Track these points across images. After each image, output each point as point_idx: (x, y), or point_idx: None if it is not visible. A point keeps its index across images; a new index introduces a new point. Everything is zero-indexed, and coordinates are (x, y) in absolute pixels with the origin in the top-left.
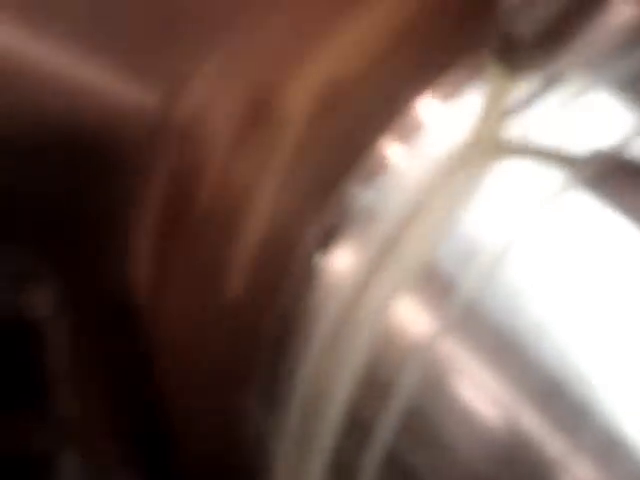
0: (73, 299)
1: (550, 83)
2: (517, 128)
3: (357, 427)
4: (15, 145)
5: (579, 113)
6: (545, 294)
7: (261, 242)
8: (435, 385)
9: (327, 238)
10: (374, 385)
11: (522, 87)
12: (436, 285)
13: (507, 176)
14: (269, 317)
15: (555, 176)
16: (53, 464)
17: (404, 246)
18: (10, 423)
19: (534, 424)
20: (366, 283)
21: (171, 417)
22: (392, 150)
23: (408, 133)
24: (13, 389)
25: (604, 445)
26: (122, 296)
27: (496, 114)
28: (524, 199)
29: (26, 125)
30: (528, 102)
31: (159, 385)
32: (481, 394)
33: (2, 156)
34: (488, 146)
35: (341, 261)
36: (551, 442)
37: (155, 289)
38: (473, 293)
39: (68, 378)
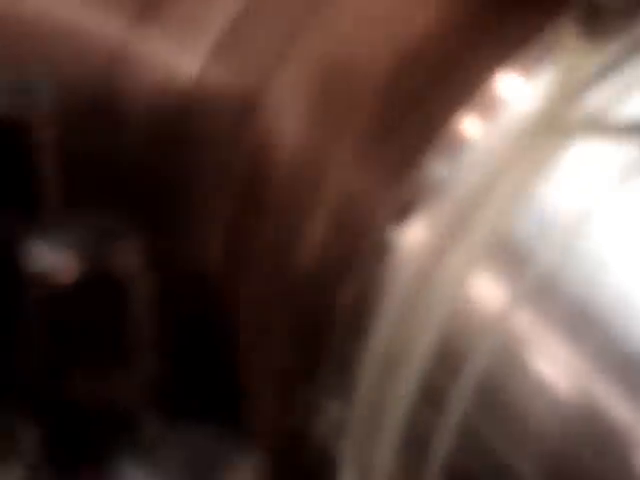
0: (155, 261)
1: (630, 53)
2: (595, 101)
3: (430, 398)
4: (110, 115)
5: None
6: (626, 266)
7: (334, 215)
8: (509, 357)
9: (402, 212)
10: (448, 356)
11: (601, 58)
12: (512, 257)
13: (584, 148)
14: (343, 290)
15: (634, 148)
16: (137, 420)
17: (480, 218)
18: (98, 379)
19: (612, 398)
20: (441, 254)
21: (243, 378)
22: (470, 124)
23: (486, 107)
24: (102, 345)
25: None
26: (198, 263)
27: (574, 87)
28: (602, 171)
29: (119, 98)
30: (607, 74)
31: (231, 349)
32: (556, 366)
33: (99, 124)
34: (566, 119)
35: (416, 235)
36: (628, 416)
37: (230, 259)
38: (549, 265)
39: (151, 336)
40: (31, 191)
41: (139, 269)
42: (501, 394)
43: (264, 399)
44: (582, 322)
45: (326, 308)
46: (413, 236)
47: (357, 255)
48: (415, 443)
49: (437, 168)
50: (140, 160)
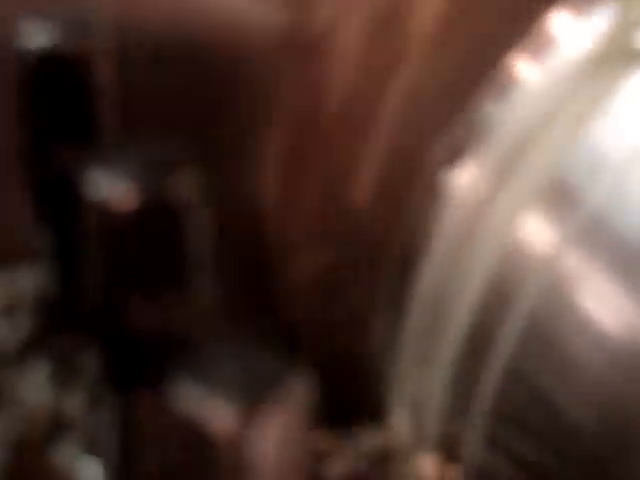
0: (212, 195)
1: None
2: None
3: (479, 338)
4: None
5: None
6: None
7: (387, 156)
8: (558, 297)
9: (454, 154)
10: (497, 297)
11: None
12: (562, 197)
13: (638, 86)
14: (395, 230)
15: None
16: (192, 342)
17: (530, 158)
18: (154, 301)
19: None
20: (491, 196)
21: (296, 317)
22: (522, 65)
23: (538, 47)
24: (162, 273)
25: None
26: (252, 200)
27: (629, 23)
28: None
29: (178, 34)
30: None
31: (283, 287)
32: (604, 305)
33: (157, 63)
34: (620, 56)
35: (467, 177)
36: None
37: (283, 197)
38: (600, 205)
39: (206, 265)
40: (90, 123)
41: (197, 199)
42: (549, 334)
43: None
44: (632, 262)
45: (378, 247)
46: (464, 178)
47: (409, 197)
48: (464, 383)
49: (489, 110)
50: (197, 94)
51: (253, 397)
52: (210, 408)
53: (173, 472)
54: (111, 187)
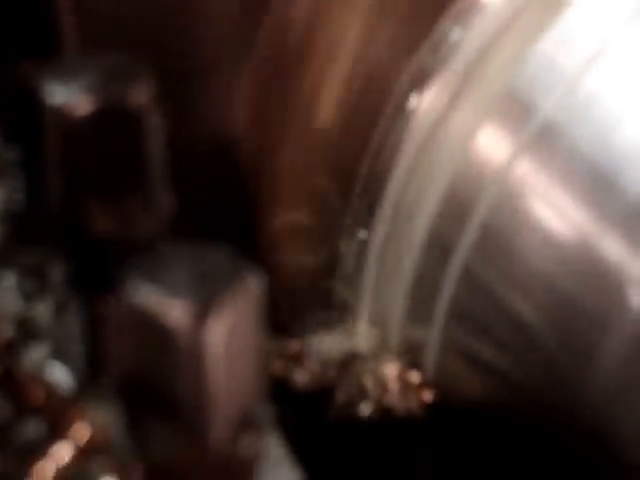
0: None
1: None
2: None
3: (439, 245)
4: None
5: None
6: (630, 114)
7: (353, 78)
8: (512, 205)
9: (419, 78)
10: (455, 205)
11: None
12: (515, 109)
13: None
14: (365, 153)
15: None
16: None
17: (485, 73)
18: (114, 207)
19: (609, 241)
20: (449, 111)
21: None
22: None
23: None
24: (119, 177)
25: None
26: (224, 128)
27: None
28: (606, 18)
29: None
30: None
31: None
32: (556, 212)
33: None
34: None
35: (431, 97)
36: (624, 257)
37: (254, 124)
38: (553, 115)
39: (163, 171)
40: (48, 33)
41: (153, 106)
42: (503, 241)
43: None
44: (583, 170)
45: (347, 170)
46: (428, 99)
47: (378, 119)
48: (424, 290)
49: (452, 33)
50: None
51: (208, 292)
52: (168, 304)
53: (137, 367)
54: (67, 94)
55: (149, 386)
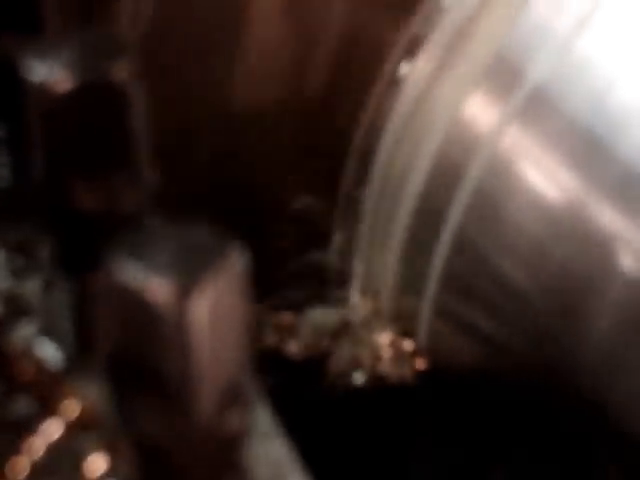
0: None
1: None
2: None
3: (429, 212)
4: None
5: None
6: (624, 78)
7: (345, 47)
8: (502, 170)
9: (410, 46)
10: (446, 171)
11: None
12: (505, 74)
13: None
14: (358, 120)
15: None
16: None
17: (474, 39)
18: (100, 186)
19: (604, 209)
20: (438, 77)
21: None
22: None
23: None
24: (103, 154)
25: None
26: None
27: None
28: None
29: None
30: None
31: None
32: (546, 177)
33: None
34: None
35: (420, 63)
36: (620, 226)
37: (249, 90)
38: (543, 80)
39: (149, 145)
40: (30, 9)
41: (135, 82)
42: (493, 206)
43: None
44: (573, 134)
45: (340, 136)
46: (419, 65)
47: (369, 88)
48: (416, 257)
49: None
50: None
51: (191, 269)
52: (152, 281)
53: (124, 344)
54: (49, 70)
55: (136, 362)
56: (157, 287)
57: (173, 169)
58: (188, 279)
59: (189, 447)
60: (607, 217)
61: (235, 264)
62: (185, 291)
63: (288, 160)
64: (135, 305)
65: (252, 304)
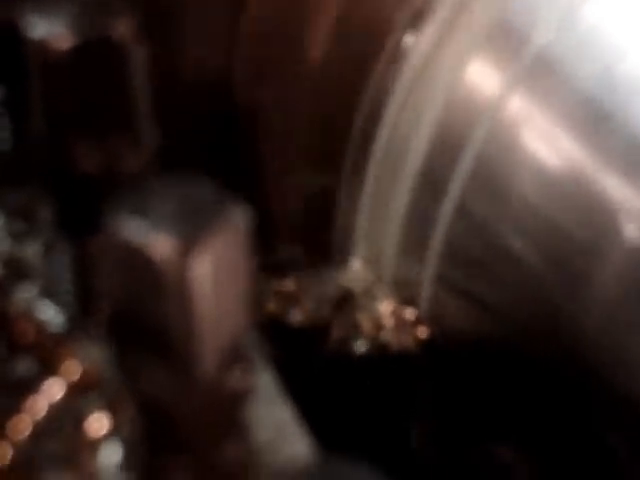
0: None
1: None
2: None
3: (432, 181)
4: None
5: None
6: (633, 47)
7: (342, 18)
8: (504, 138)
9: (415, 17)
10: (448, 138)
11: None
12: (508, 40)
13: None
14: (362, 91)
15: None
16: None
17: (476, 5)
18: (101, 146)
19: (607, 176)
20: (441, 42)
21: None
22: None
23: None
24: (103, 113)
25: None
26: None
27: None
28: None
29: None
30: None
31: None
32: (549, 146)
33: None
34: None
35: (425, 32)
36: (622, 193)
37: (249, 64)
38: (546, 46)
39: (150, 105)
40: None
41: (136, 40)
42: (495, 173)
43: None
44: (582, 103)
45: (344, 107)
46: (423, 34)
47: (373, 60)
48: (417, 226)
49: None
50: None
51: (193, 226)
52: (154, 238)
53: (126, 303)
54: (49, 27)
55: (138, 320)
56: (159, 243)
57: (174, 130)
58: (190, 235)
59: (191, 405)
60: (612, 185)
61: (237, 221)
62: (187, 247)
63: (291, 130)
64: (137, 262)
65: (254, 262)
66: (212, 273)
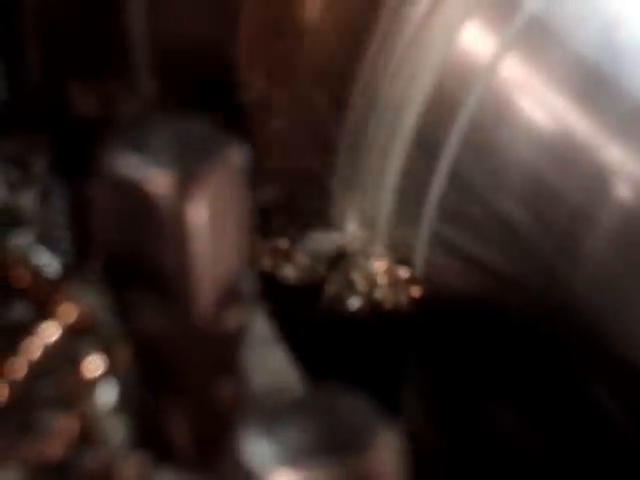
0: None
1: None
2: None
3: (426, 145)
4: None
5: None
6: (634, 11)
7: None
8: (498, 101)
9: None
10: (442, 101)
11: None
12: (501, 4)
13: None
14: (361, 60)
15: None
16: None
17: None
18: (97, 89)
19: (599, 139)
20: (434, 8)
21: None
22: None
23: None
24: (100, 55)
25: None
26: None
27: None
28: None
29: None
30: None
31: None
32: (543, 108)
33: None
34: None
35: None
36: (614, 155)
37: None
38: (539, 9)
39: (148, 52)
40: None
41: None
42: (489, 137)
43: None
44: (568, 63)
45: (342, 77)
46: (418, 3)
47: (370, 26)
48: (412, 188)
49: None
50: None
51: (191, 162)
52: (151, 173)
53: (122, 241)
54: None
55: (134, 258)
56: (156, 178)
57: (173, 79)
58: (187, 170)
59: (187, 344)
60: (606, 149)
61: (235, 158)
62: (184, 181)
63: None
64: (134, 197)
65: (251, 202)
66: (209, 208)
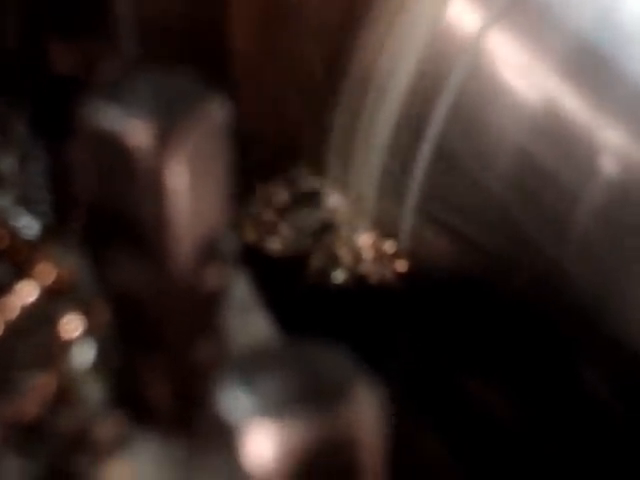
0: None
1: None
2: None
3: (412, 118)
4: None
5: None
6: None
7: None
8: (483, 76)
9: None
10: (427, 77)
11: None
12: None
13: None
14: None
15: None
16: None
17: None
18: (78, 48)
19: (585, 114)
20: None
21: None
22: None
23: None
24: (81, 13)
25: None
26: None
27: None
28: None
29: None
30: None
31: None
32: (527, 82)
33: None
34: None
35: None
36: (600, 131)
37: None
38: None
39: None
40: None
41: None
42: (474, 112)
43: None
44: (554, 37)
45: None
46: None
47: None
48: (398, 162)
49: None
50: None
51: (171, 114)
52: (131, 125)
53: (102, 196)
54: None
55: (114, 213)
56: (136, 129)
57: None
58: (168, 122)
59: (166, 302)
60: (588, 122)
61: (216, 112)
62: (164, 134)
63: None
64: (112, 150)
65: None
66: (189, 162)
